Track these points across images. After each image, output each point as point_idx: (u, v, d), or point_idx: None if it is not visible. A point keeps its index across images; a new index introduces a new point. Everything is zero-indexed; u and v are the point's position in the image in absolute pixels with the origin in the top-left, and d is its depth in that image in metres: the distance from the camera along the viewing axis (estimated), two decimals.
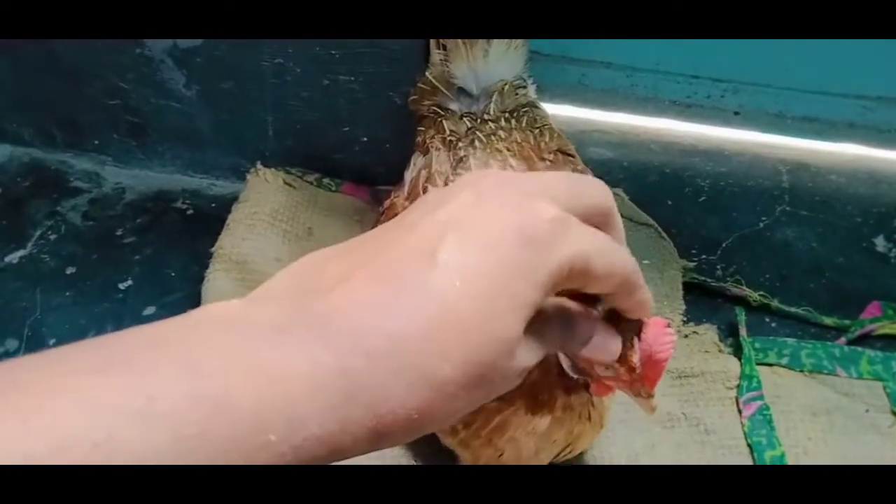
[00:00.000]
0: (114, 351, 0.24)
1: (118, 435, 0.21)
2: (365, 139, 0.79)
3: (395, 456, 0.59)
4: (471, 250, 0.28)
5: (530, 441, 0.52)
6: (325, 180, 0.81)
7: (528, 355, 0.30)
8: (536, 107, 0.66)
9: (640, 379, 0.40)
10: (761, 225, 0.81)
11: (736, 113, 0.88)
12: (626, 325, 0.38)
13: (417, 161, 0.62)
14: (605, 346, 0.35)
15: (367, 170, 0.81)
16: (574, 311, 0.34)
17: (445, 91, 0.65)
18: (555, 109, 0.82)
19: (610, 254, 0.31)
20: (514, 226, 0.28)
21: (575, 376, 0.46)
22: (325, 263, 0.29)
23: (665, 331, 0.39)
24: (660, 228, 0.77)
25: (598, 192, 0.32)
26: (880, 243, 0.80)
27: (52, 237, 0.79)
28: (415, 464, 0.59)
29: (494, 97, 0.64)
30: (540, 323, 0.31)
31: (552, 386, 0.49)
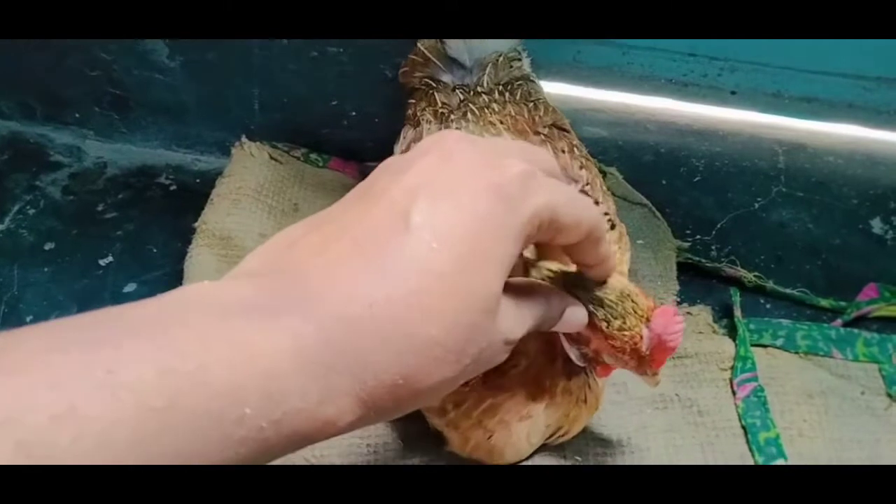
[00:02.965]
0: (79, 330, 0.23)
1: (78, 407, 0.20)
2: (354, 113, 0.78)
3: (379, 435, 0.58)
4: (443, 211, 0.28)
5: (522, 425, 0.51)
6: (313, 155, 0.79)
7: (512, 324, 0.30)
8: (531, 80, 0.65)
9: (648, 362, 0.40)
10: (756, 206, 0.80)
11: (733, 92, 0.87)
12: (631, 307, 0.38)
13: (407, 134, 0.61)
14: (575, 317, 0.37)
15: (355, 145, 0.79)
16: (548, 289, 0.36)
17: (438, 62, 0.63)
18: (549, 87, 0.80)
19: (576, 203, 0.32)
20: (484, 182, 0.28)
21: (581, 365, 0.45)
22: (298, 239, 0.29)
23: (674, 319, 0.39)
24: (654, 208, 0.76)
25: (548, 157, 0.34)
26: (877, 225, 0.79)
27: (31, 212, 0.77)
28: (400, 445, 0.58)
29: (488, 69, 0.62)
30: (521, 297, 0.32)
31: (556, 374, 0.48)
